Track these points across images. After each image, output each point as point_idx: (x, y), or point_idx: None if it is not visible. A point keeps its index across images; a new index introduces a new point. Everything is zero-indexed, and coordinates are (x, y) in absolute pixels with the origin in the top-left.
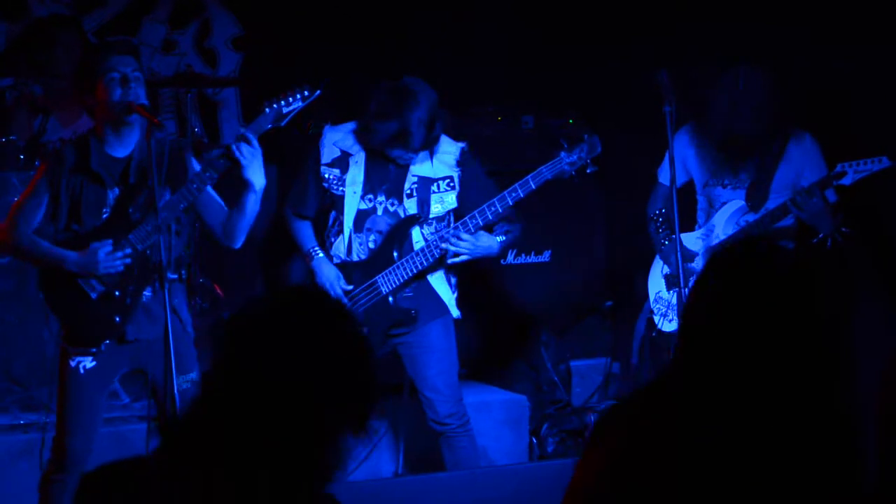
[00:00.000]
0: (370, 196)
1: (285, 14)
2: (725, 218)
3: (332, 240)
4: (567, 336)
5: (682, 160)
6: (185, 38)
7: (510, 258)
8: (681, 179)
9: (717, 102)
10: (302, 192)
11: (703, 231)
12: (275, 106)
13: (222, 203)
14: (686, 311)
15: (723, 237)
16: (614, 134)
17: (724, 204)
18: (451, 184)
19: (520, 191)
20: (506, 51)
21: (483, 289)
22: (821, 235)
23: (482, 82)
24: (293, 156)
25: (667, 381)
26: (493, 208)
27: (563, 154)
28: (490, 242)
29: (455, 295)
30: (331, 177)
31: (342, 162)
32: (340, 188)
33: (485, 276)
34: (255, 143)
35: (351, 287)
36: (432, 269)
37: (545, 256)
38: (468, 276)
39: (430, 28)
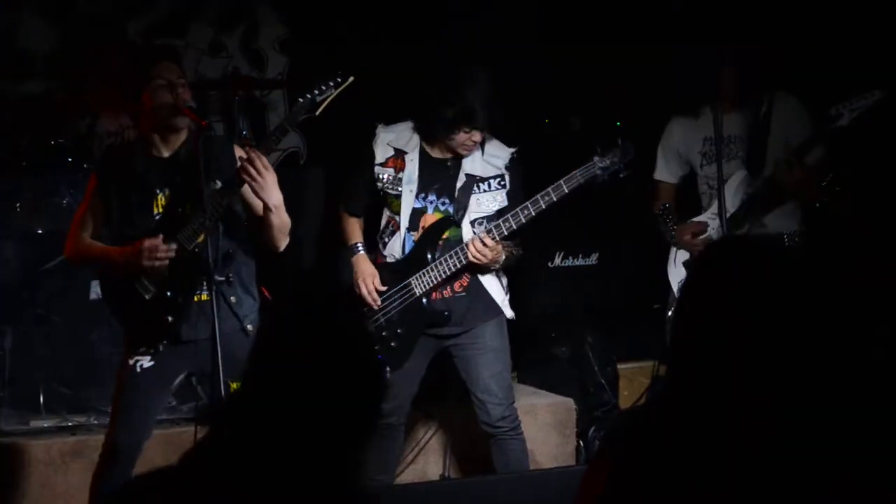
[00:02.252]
0: (423, 195)
1: (333, 16)
2: (732, 191)
3: (387, 239)
4: (614, 338)
5: (677, 152)
6: (232, 41)
7: (557, 261)
8: (678, 173)
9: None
10: (353, 191)
11: (715, 210)
12: (308, 96)
13: None
14: (675, 322)
15: (733, 209)
16: (658, 135)
17: (725, 181)
18: (503, 182)
19: (553, 194)
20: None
21: (530, 291)
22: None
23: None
24: (342, 156)
25: (661, 397)
26: (525, 211)
27: (595, 158)
28: (497, 263)
29: (508, 296)
30: (385, 176)
31: (397, 160)
32: (397, 188)
33: (532, 278)
34: (264, 160)
35: (385, 288)
36: (464, 270)
37: (592, 259)
38: (515, 277)
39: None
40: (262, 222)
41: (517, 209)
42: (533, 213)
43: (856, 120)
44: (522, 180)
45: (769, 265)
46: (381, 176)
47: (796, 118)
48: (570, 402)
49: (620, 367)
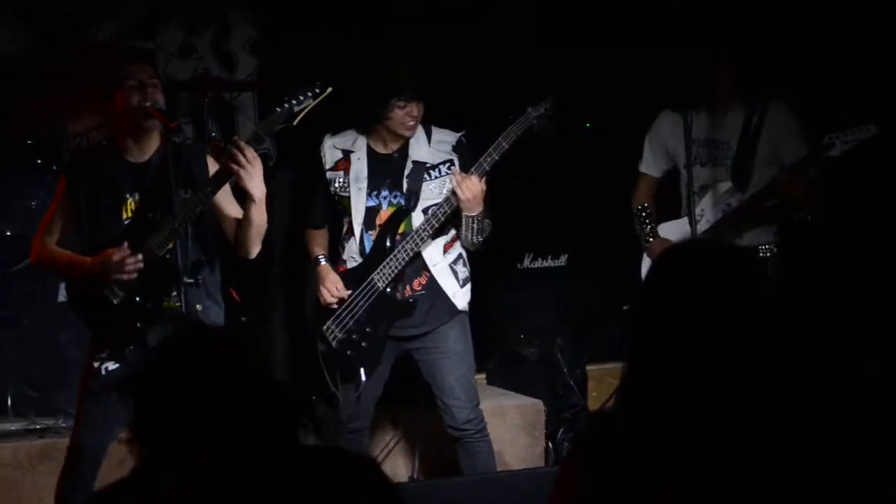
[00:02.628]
0: (375, 192)
1: (304, 18)
2: (713, 201)
3: (345, 243)
4: (583, 340)
5: (664, 146)
6: (202, 43)
7: (526, 262)
8: (663, 168)
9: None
10: (311, 204)
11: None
12: (286, 105)
13: (240, 211)
14: (633, 323)
15: (713, 221)
16: (636, 138)
17: (704, 187)
18: (452, 167)
19: (494, 154)
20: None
21: (499, 292)
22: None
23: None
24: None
25: (625, 399)
26: (480, 168)
27: (529, 109)
28: (482, 202)
29: (465, 289)
30: (337, 181)
31: (345, 162)
32: (347, 190)
33: (501, 280)
34: (252, 151)
35: (350, 291)
36: (425, 249)
37: (562, 260)
38: (484, 279)
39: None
40: (241, 222)
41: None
42: (487, 168)
43: (847, 152)
44: (472, 164)
45: (725, 268)
46: (333, 181)
47: (788, 128)
48: (538, 404)
49: (589, 368)
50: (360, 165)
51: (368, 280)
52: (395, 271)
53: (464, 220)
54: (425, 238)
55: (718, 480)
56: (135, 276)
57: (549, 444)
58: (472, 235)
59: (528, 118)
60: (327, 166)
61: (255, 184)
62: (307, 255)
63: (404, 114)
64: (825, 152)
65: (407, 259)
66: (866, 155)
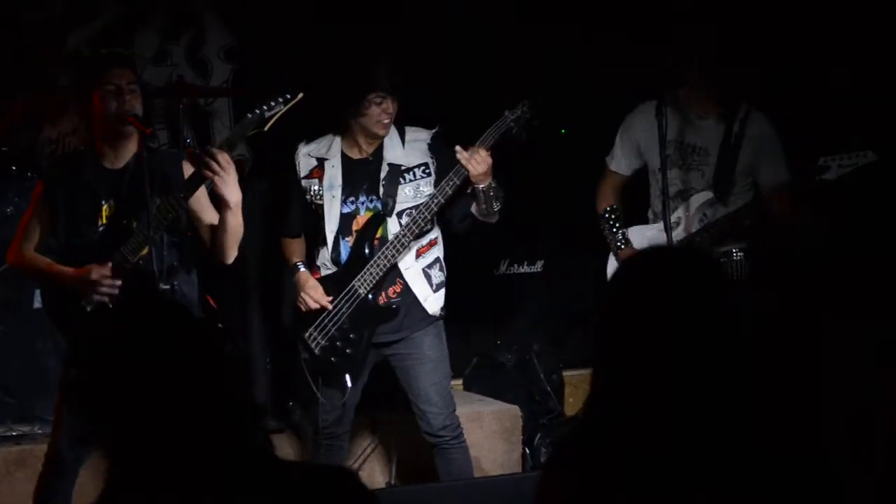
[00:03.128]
0: (352, 198)
1: (279, 25)
2: (692, 211)
3: (318, 251)
4: (560, 346)
5: (636, 144)
6: (177, 49)
7: (502, 268)
8: (634, 166)
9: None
10: (286, 212)
11: (665, 224)
12: (257, 111)
13: (217, 216)
14: (598, 332)
15: (692, 231)
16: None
17: (680, 192)
18: (427, 171)
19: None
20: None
21: (475, 298)
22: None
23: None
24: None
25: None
26: (459, 174)
27: (506, 112)
28: (490, 173)
29: (438, 294)
30: (312, 189)
31: (319, 170)
32: (321, 197)
33: (477, 286)
34: (226, 156)
35: (331, 298)
36: (404, 257)
37: (537, 266)
38: (460, 285)
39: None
40: (217, 228)
41: (451, 173)
42: (458, 182)
43: (844, 177)
44: (450, 158)
45: (692, 273)
46: (308, 189)
47: (767, 141)
48: (515, 410)
49: (566, 374)
50: (333, 173)
51: (349, 287)
52: (377, 277)
53: (477, 194)
54: (406, 243)
55: (692, 484)
56: (106, 299)
57: (527, 450)
58: (489, 205)
59: (505, 121)
60: (301, 174)
61: (230, 189)
62: (285, 262)
63: (380, 111)
64: (819, 175)
65: (388, 265)
66: (860, 180)
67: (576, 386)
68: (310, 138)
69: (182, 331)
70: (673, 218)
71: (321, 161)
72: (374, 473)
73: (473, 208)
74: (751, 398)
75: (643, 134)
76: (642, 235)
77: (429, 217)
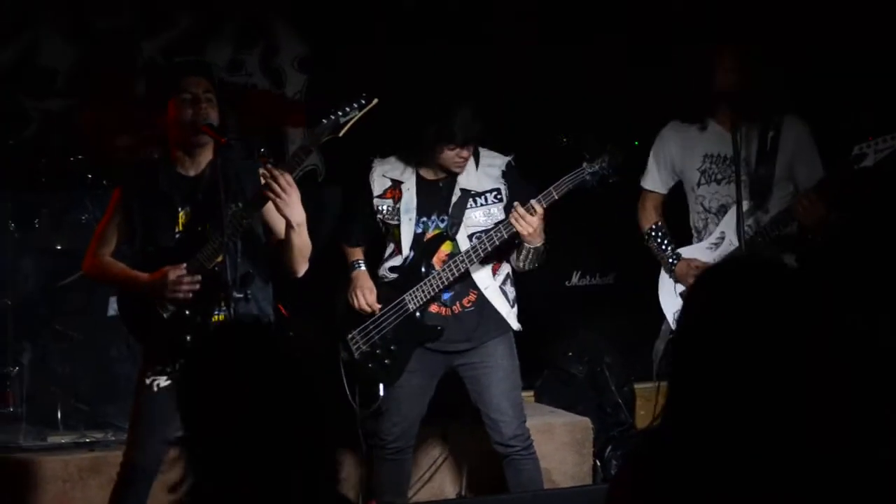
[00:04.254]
0: (423, 219)
1: (353, 35)
2: (728, 219)
3: (390, 263)
4: (631, 358)
5: (669, 162)
6: (251, 59)
7: (574, 280)
8: (669, 184)
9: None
10: (349, 225)
11: (713, 239)
12: (332, 117)
13: None
14: (676, 346)
15: (737, 244)
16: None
17: (722, 207)
18: (499, 196)
19: (543, 201)
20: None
21: (547, 310)
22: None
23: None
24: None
25: (662, 427)
26: (508, 228)
27: (584, 164)
28: (542, 234)
29: (514, 309)
30: (384, 208)
31: (395, 191)
32: (395, 217)
33: (549, 297)
34: (288, 177)
35: (381, 305)
36: (458, 281)
37: (609, 278)
38: (532, 296)
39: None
40: (283, 243)
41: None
42: (505, 236)
43: (881, 162)
44: (523, 186)
45: (774, 287)
46: (380, 208)
47: (803, 144)
48: (586, 422)
49: (637, 386)
50: (409, 196)
51: (399, 300)
52: (429, 296)
53: (524, 251)
54: (464, 268)
55: (765, 499)
56: (190, 296)
57: (597, 462)
58: (527, 264)
59: (581, 174)
60: (376, 193)
61: (293, 210)
62: (345, 260)
63: (455, 155)
64: (857, 163)
65: (441, 286)
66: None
67: (647, 398)
68: (383, 153)
69: None
70: (717, 232)
71: (397, 183)
72: (445, 484)
73: (512, 258)
74: (825, 412)
75: (677, 150)
76: (694, 254)
77: (489, 248)
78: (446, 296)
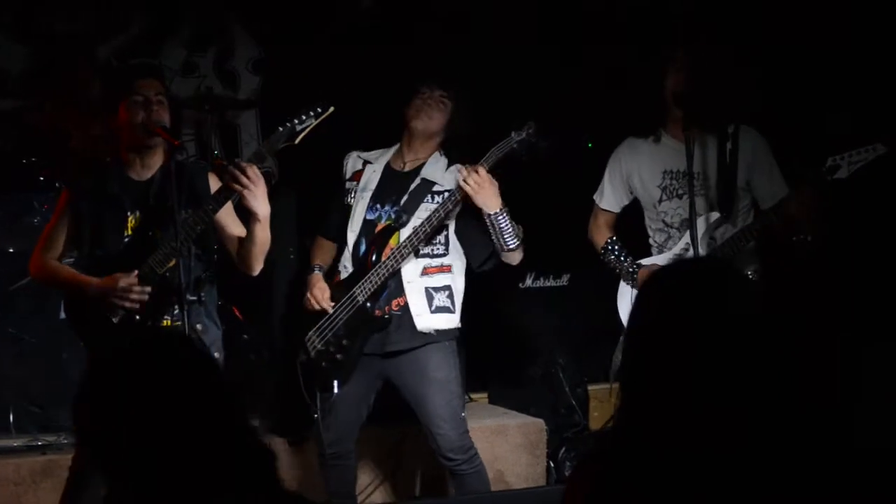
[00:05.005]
0: (378, 205)
1: (307, 37)
2: (702, 233)
3: (341, 253)
4: (585, 360)
5: (625, 181)
6: (205, 61)
7: (528, 281)
8: (624, 203)
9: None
10: (327, 213)
11: (678, 250)
12: (288, 125)
13: (243, 228)
14: (626, 346)
15: (701, 251)
16: None
17: (686, 220)
18: (455, 197)
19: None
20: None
21: (500, 312)
22: (802, 237)
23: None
24: (314, 181)
25: (616, 429)
26: (453, 196)
27: (512, 133)
28: (496, 198)
29: (435, 316)
30: (352, 190)
31: (360, 173)
32: (354, 198)
33: (502, 299)
34: (255, 170)
35: (334, 303)
36: (404, 265)
37: (563, 280)
38: (486, 298)
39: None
40: (244, 240)
41: (454, 189)
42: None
43: (854, 173)
44: None
45: (722, 288)
46: (349, 190)
47: (761, 157)
48: (540, 423)
49: (591, 388)
50: (372, 177)
51: (350, 293)
52: (375, 286)
53: (488, 223)
54: (407, 255)
55: (722, 498)
56: (137, 306)
57: (551, 464)
58: (500, 238)
59: (509, 142)
60: (346, 176)
61: (259, 203)
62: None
63: (422, 101)
64: (831, 175)
65: (387, 274)
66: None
67: (601, 400)
68: (366, 148)
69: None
70: (681, 244)
71: (365, 164)
72: (397, 487)
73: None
74: (778, 412)
75: (635, 169)
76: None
77: (428, 231)
78: (383, 295)
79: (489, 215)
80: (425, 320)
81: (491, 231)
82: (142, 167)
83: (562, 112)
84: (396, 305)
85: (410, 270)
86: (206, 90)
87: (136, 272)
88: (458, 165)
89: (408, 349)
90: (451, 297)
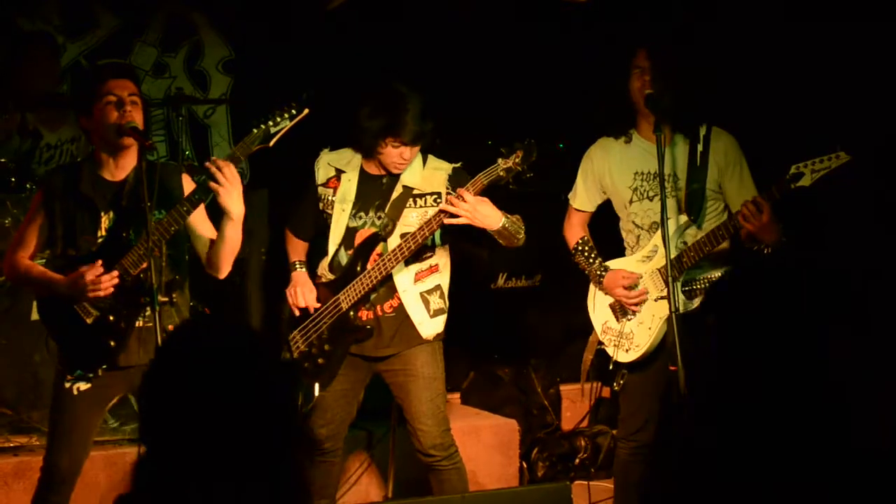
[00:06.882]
0: (361, 213)
1: (277, 37)
2: (670, 236)
3: (320, 260)
4: (557, 360)
5: (598, 181)
6: (175, 62)
7: (500, 282)
8: (597, 202)
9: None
10: (298, 214)
11: (646, 252)
12: (262, 126)
13: (213, 230)
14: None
15: (671, 258)
16: None
17: (654, 223)
18: (439, 200)
19: (471, 189)
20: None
21: (473, 312)
22: (762, 247)
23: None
24: (286, 180)
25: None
26: (439, 215)
27: (499, 161)
28: (493, 213)
29: (435, 319)
30: (326, 197)
31: (337, 181)
32: (332, 208)
33: (475, 300)
34: (233, 169)
35: (319, 305)
36: (397, 274)
37: (535, 281)
38: (458, 299)
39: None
40: (216, 240)
41: (439, 210)
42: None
43: (818, 182)
44: None
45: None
46: (323, 197)
47: (732, 160)
48: (513, 423)
49: (563, 388)
50: (348, 187)
51: (334, 299)
52: (360, 294)
53: (495, 235)
54: (394, 265)
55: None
56: (111, 291)
57: (524, 464)
58: (510, 240)
59: (496, 169)
60: (319, 181)
61: (234, 202)
62: (286, 259)
63: (398, 154)
64: (793, 183)
65: (372, 284)
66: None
67: (573, 400)
68: (333, 146)
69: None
70: (650, 246)
71: (339, 172)
72: (371, 487)
73: (504, 244)
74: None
75: (606, 169)
76: (627, 265)
77: (413, 247)
78: (370, 299)
79: (495, 231)
80: (427, 327)
81: (498, 238)
82: (115, 168)
83: (534, 114)
84: (390, 307)
85: (404, 280)
86: (177, 91)
87: (100, 261)
88: (445, 196)
89: (403, 350)
90: (442, 296)
